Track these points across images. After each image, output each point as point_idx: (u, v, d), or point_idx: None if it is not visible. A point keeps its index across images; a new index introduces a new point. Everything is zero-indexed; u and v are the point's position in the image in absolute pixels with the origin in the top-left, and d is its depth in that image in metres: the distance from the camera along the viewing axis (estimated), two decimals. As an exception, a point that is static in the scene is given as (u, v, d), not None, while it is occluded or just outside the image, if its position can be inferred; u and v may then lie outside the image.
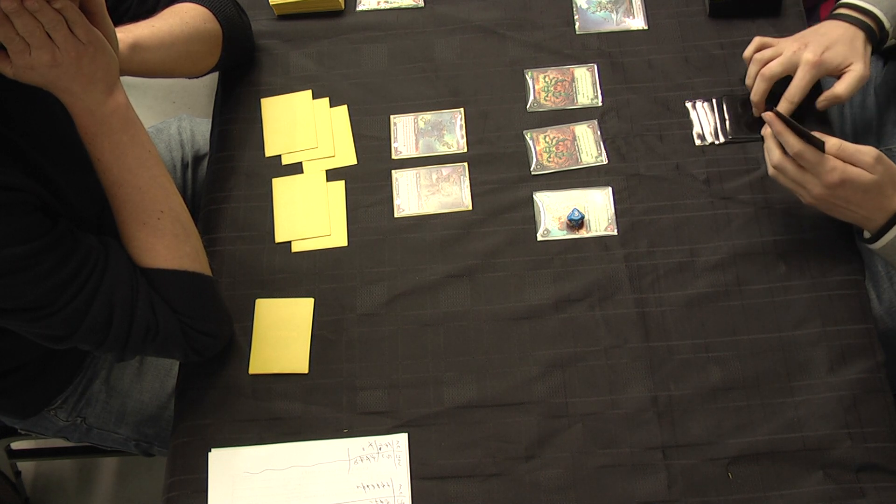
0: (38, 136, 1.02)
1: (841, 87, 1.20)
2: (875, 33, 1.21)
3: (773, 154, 1.11)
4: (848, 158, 1.06)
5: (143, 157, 1.04)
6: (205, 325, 1.10)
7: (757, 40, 1.25)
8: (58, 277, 0.97)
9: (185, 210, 1.10)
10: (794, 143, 1.08)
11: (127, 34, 1.11)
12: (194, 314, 1.08)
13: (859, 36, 1.20)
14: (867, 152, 1.06)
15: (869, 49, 1.21)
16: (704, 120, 1.27)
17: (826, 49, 1.20)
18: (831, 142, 1.07)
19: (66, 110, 1.06)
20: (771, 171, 1.12)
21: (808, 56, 1.19)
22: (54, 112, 1.06)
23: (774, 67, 1.21)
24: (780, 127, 1.09)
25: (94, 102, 0.99)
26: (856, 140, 1.40)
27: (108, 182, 1.04)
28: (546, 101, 1.31)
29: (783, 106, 1.21)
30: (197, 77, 1.30)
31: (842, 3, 1.24)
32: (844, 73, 1.19)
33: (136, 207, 1.05)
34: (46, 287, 0.97)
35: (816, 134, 1.06)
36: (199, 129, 1.51)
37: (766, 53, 1.24)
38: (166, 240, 1.06)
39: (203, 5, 1.25)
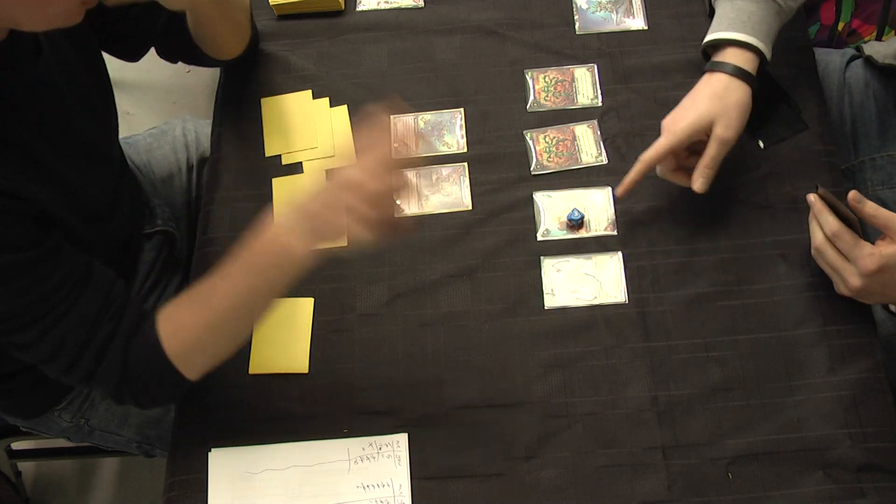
0: (48, 128, 1.01)
1: (705, 160, 1.15)
2: (752, 76, 1.16)
3: (815, 236, 1.09)
4: (883, 223, 1.03)
5: (255, 287, 1.02)
6: (141, 398, 1.06)
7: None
8: (29, 296, 0.95)
9: (241, 337, 1.07)
10: (832, 223, 1.06)
11: None
12: (140, 387, 1.04)
13: (730, 86, 1.15)
14: None
15: (742, 93, 1.15)
16: None
17: (682, 116, 1.15)
18: (868, 206, 1.04)
19: (77, 105, 1.06)
20: (813, 252, 1.11)
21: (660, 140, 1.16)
22: (65, 105, 1.05)
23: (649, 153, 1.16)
24: (820, 206, 1.08)
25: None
26: (855, 142, 1.40)
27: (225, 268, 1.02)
28: (546, 101, 1.31)
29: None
30: (218, 63, 1.31)
31: (717, 41, 1.19)
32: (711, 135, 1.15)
33: (216, 292, 1.02)
34: (16, 304, 0.95)
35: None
36: (203, 132, 1.50)
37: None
38: (198, 331, 1.03)
39: None
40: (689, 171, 1.19)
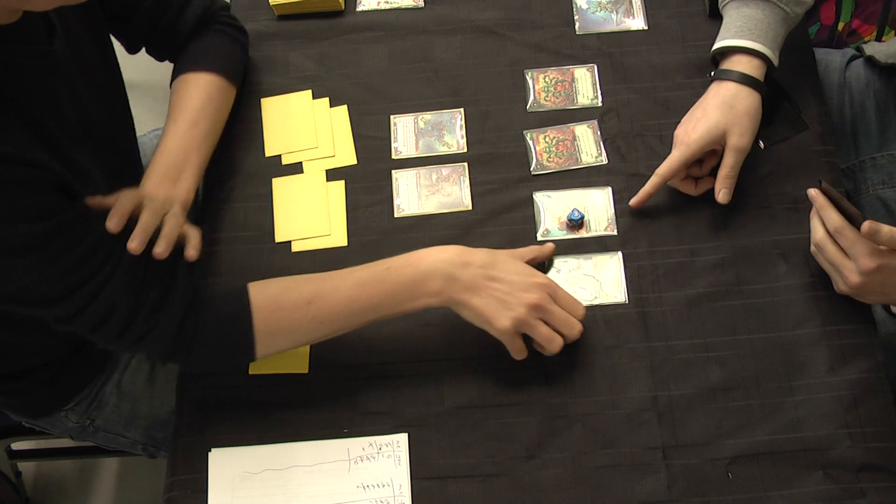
0: (61, 109, 1.02)
1: (725, 170, 1.16)
2: (760, 83, 1.17)
3: (816, 232, 1.09)
4: (885, 241, 1.01)
5: (376, 302, 1.06)
6: (195, 361, 1.07)
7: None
8: (63, 264, 0.95)
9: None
10: (835, 218, 1.05)
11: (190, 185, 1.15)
12: (205, 352, 1.05)
13: (739, 94, 1.16)
14: None
15: (752, 100, 1.16)
16: None
17: (694, 127, 1.17)
18: (883, 232, 1.00)
19: (89, 89, 1.07)
20: (812, 248, 1.11)
21: (674, 153, 1.17)
22: (77, 88, 1.06)
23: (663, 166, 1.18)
24: (822, 202, 1.07)
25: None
26: (856, 142, 1.40)
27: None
28: (546, 101, 1.31)
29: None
30: None
31: (724, 49, 1.20)
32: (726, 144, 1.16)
33: (337, 292, 1.05)
34: (51, 272, 0.94)
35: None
36: None
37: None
38: (301, 320, 1.05)
39: (223, 75, 1.26)
40: (695, 180, 1.20)
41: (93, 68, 1.11)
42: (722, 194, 1.17)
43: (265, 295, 1.05)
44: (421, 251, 1.07)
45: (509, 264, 1.06)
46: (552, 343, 1.05)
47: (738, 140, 1.15)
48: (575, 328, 1.06)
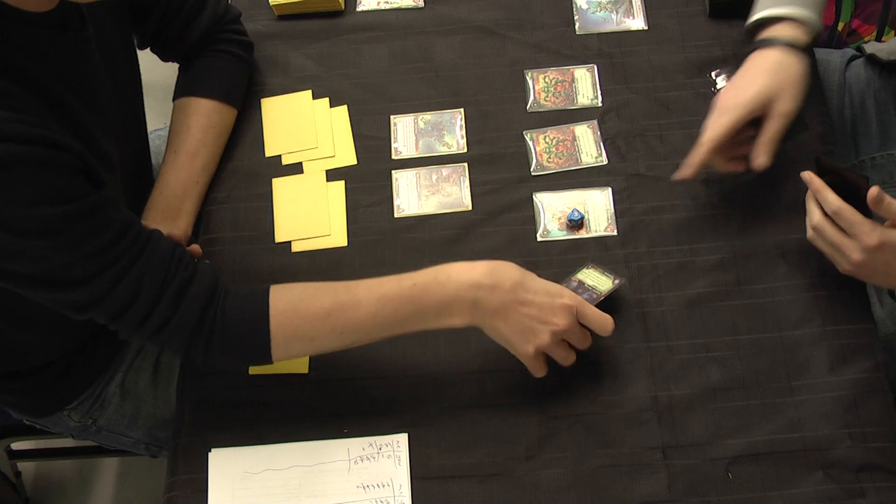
0: (91, 98, 1.02)
1: (768, 134, 1.13)
2: (802, 46, 1.15)
3: (813, 215, 1.07)
4: (885, 211, 1.00)
5: (400, 319, 1.05)
6: (214, 357, 1.05)
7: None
8: (87, 248, 0.94)
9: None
10: (832, 200, 1.03)
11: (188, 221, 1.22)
12: (223, 346, 1.04)
13: (786, 60, 1.14)
14: None
15: (801, 66, 1.14)
16: None
17: (744, 91, 1.13)
18: (885, 202, 1.00)
19: (112, 81, 1.08)
20: (809, 233, 1.09)
21: (709, 125, 1.14)
22: (103, 78, 1.07)
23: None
24: (818, 184, 1.05)
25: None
26: (855, 142, 1.40)
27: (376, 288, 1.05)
28: (546, 101, 1.31)
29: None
30: None
31: (763, 20, 1.18)
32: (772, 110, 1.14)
33: (360, 306, 1.04)
34: (74, 256, 0.94)
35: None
36: None
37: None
38: (319, 329, 1.04)
39: (224, 101, 1.28)
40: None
41: (117, 62, 1.13)
42: (762, 159, 1.13)
43: (285, 301, 1.04)
44: (449, 267, 1.04)
45: (538, 283, 1.04)
46: (567, 361, 1.06)
47: (787, 104, 1.12)
48: (587, 343, 1.06)
